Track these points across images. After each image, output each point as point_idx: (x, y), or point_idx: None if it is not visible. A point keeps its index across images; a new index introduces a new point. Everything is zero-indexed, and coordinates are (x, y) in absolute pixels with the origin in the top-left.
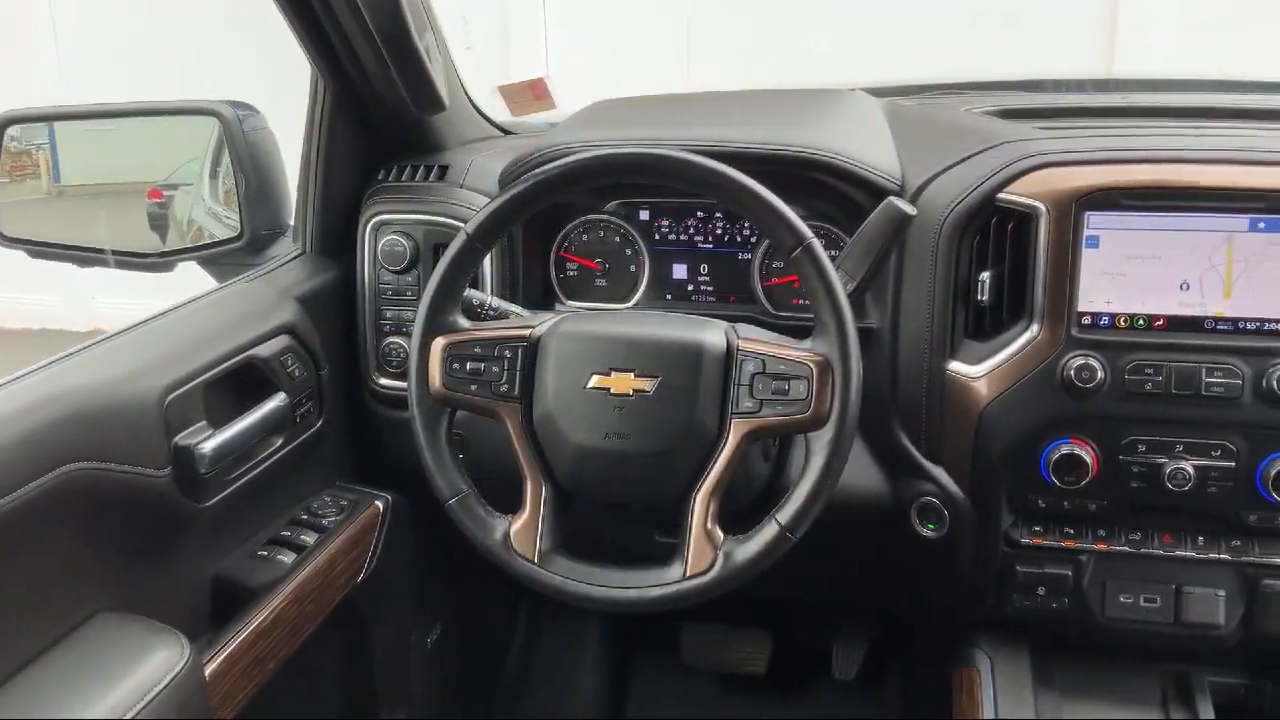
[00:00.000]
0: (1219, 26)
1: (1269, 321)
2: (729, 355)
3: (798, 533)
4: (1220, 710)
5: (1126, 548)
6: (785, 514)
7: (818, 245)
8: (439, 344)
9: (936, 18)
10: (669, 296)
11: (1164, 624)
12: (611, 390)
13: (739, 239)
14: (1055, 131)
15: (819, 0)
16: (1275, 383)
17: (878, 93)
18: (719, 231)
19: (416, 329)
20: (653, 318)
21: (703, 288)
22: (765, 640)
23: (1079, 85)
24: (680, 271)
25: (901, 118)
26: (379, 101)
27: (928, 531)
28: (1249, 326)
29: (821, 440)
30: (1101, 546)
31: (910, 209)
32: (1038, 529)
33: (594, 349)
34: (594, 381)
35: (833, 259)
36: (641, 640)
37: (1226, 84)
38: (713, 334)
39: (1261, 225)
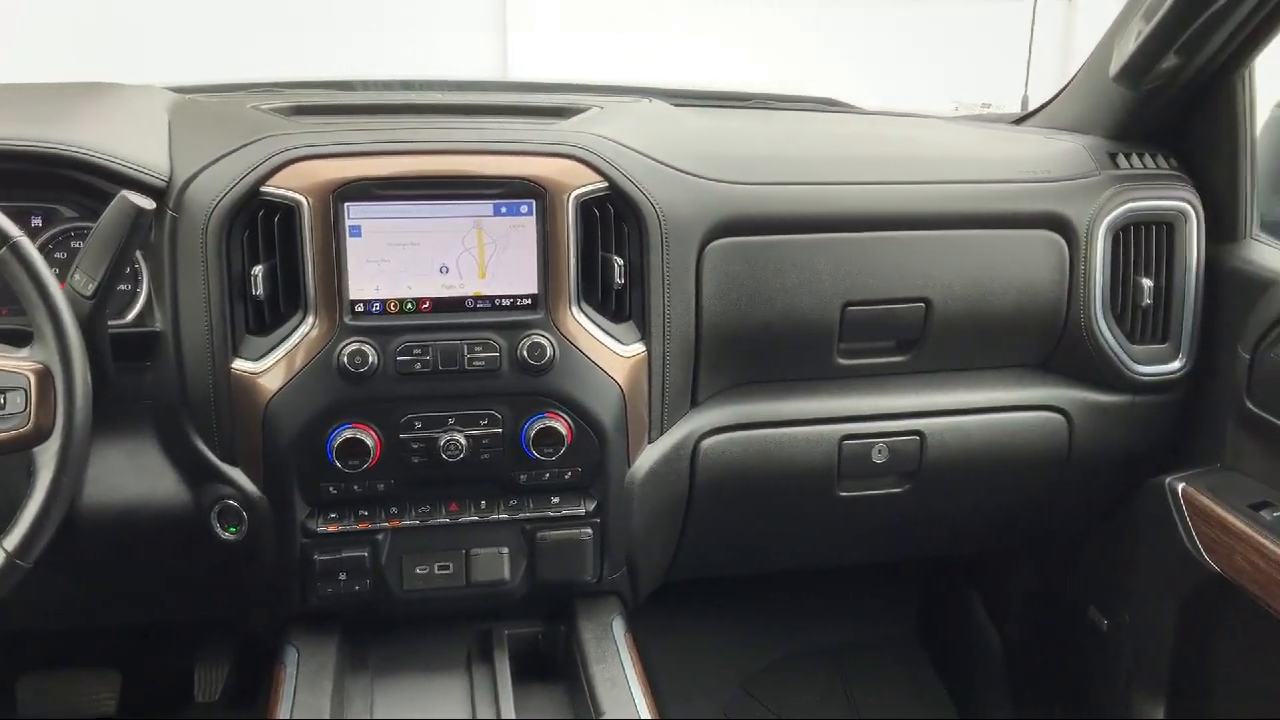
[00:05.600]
0: (599, 30)
1: (519, 297)
2: None
3: (30, 558)
4: (522, 659)
5: (417, 521)
6: (12, 540)
7: (26, 244)
8: None
9: (337, 18)
10: None
11: (459, 587)
12: None
13: None
14: (318, 126)
15: None
16: (526, 352)
17: (182, 90)
18: None
19: None
20: None
21: None
22: (112, 677)
23: (386, 85)
24: None
25: (186, 113)
26: None
27: (229, 535)
28: (503, 303)
29: (47, 454)
30: (394, 524)
31: (145, 202)
32: (334, 516)
33: None
34: None
35: None
36: None
37: (516, 85)
38: None
39: (503, 209)
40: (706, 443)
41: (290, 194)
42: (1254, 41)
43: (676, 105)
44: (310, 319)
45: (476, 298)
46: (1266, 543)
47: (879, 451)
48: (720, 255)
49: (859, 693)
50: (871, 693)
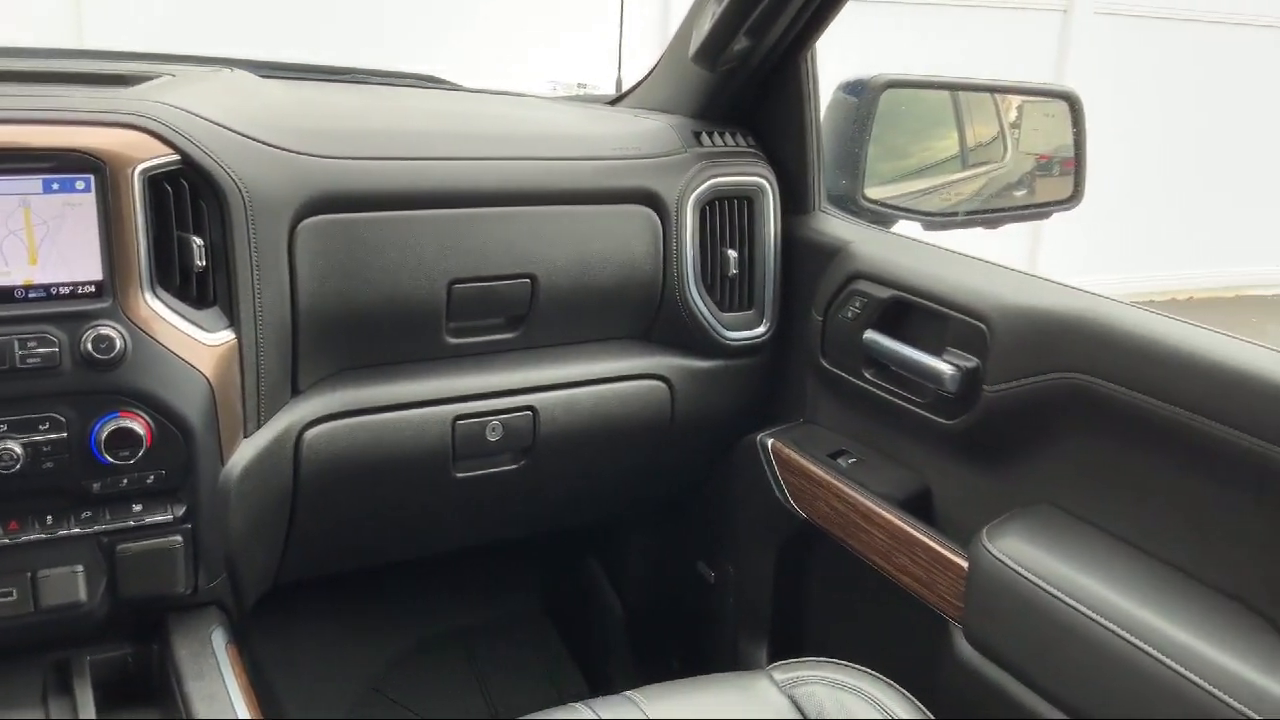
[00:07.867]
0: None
1: (79, 285)
2: None
3: None
4: (109, 687)
5: None
6: None
7: None
8: None
9: None
10: None
11: (26, 615)
12: None
13: None
14: None
15: None
16: (90, 346)
17: None
18: None
19: None
20: None
21: None
22: None
23: None
24: None
25: None
26: None
27: None
28: (61, 291)
29: None
30: None
31: None
32: None
33: None
34: None
35: None
36: None
37: (75, 52)
38: None
39: (55, 186)
40: (311, 433)
41: None
42: (815, 25)
43: (264, 77)
44: None
45: (28, 287)
46: (844, 488)
47: (493, 430)
48: (315, 234)
49: (491, 676)
50: (503, 674)
